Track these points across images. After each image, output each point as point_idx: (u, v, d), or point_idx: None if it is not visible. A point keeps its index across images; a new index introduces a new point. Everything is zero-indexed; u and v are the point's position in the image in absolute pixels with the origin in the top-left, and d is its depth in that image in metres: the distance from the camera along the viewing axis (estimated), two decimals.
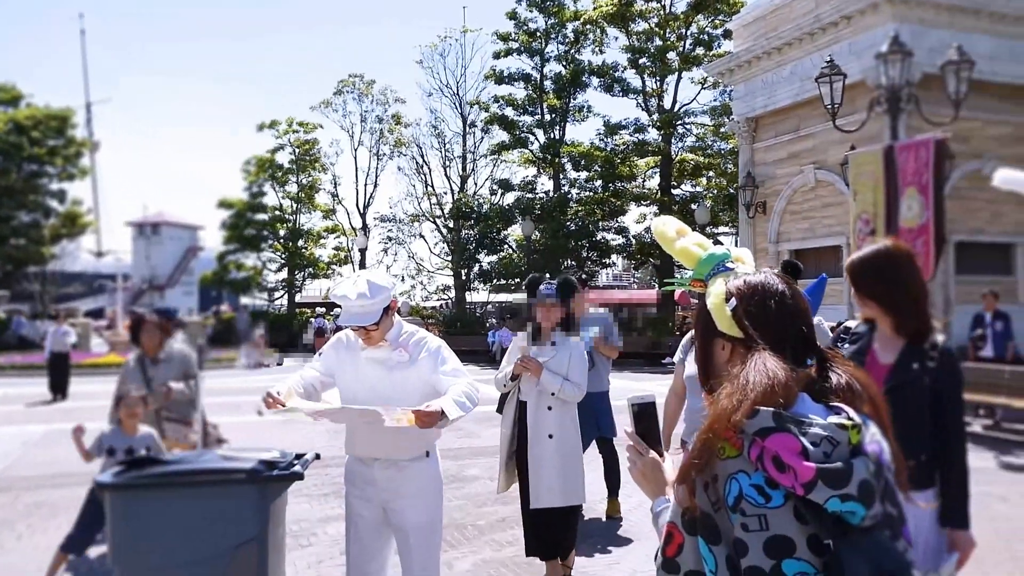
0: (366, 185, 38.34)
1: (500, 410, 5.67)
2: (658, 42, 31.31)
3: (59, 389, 15.81)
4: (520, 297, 28.52)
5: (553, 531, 4.68)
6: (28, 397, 15.63)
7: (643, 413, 1.70)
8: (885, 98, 12.13)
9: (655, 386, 17.75)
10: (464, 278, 34.99)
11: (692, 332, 4.81)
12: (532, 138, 34.13)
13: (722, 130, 30.19)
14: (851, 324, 2.90)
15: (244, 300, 38.57)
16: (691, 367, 3.86)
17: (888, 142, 13.01)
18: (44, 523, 6.40)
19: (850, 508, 1.28)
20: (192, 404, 5.52)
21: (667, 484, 1.64)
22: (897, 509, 1.38)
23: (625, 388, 17.14)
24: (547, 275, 5.05)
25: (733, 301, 1.51)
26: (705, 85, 31.39)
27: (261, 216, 37.67)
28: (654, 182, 33.19)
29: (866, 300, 2.71)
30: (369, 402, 3.06)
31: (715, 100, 31.61)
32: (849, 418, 1.35)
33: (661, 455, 1.68)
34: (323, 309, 33.21)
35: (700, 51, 30.90)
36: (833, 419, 1.34)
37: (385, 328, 3.22)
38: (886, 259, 2.69)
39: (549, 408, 4.62)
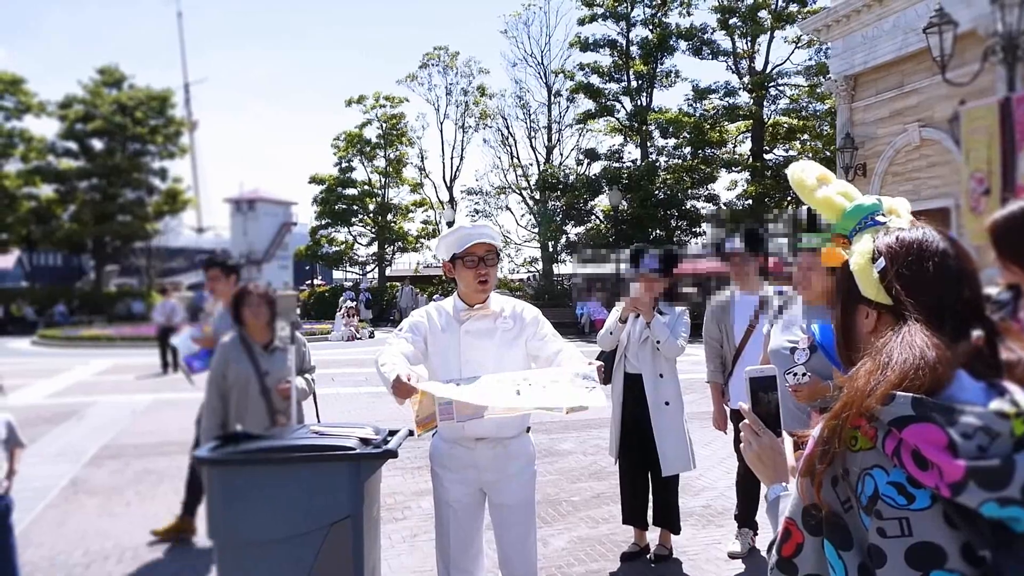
0: (452, 158, 38.52)
1: None
2: (749, 0, 30.14)
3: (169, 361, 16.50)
4: (607, 268, 28.24)
5: (664, 499, 4.76)
6: (139, 368, 16.37)
7: (761, 388, 1.51)
8: (1001, 47, 11.30)
9: None
10: (551, 250, 34.79)
11: (760, 300, 4.56)
12: (618, 106, 33.48)
13: (818, 90, 28.89)
14: (991, 291, 2.61)
15: (354, 275, 39.18)
16: (776, 339, 3.60)
17: (1005, 94, 12.19)
18: (152, 490, 6.64)
19: (1012, 514, 1.06)
20: (301, 406, 4.33)
21: (787, 469, 1.46)
22: None
23: None
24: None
25: (881, 261, 1.29)
26: (799, 44, 30.07)
27: (351, 191, 38.27)
28: (745, 147, 32.13)
29: (1010, 264, 2.42)
30: (481, 383, 2.81)
31: (810, 59, 30.28)
32: (1014, 403, 1.12)
33: (779, 435, 1.49)
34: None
35: (794, 8, 29.60)
36: (994, 404, 1.11)
37: (494, 281, 3.17)
38: None
39: (661, 376, 4.66)
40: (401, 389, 2.68)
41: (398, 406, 2.85)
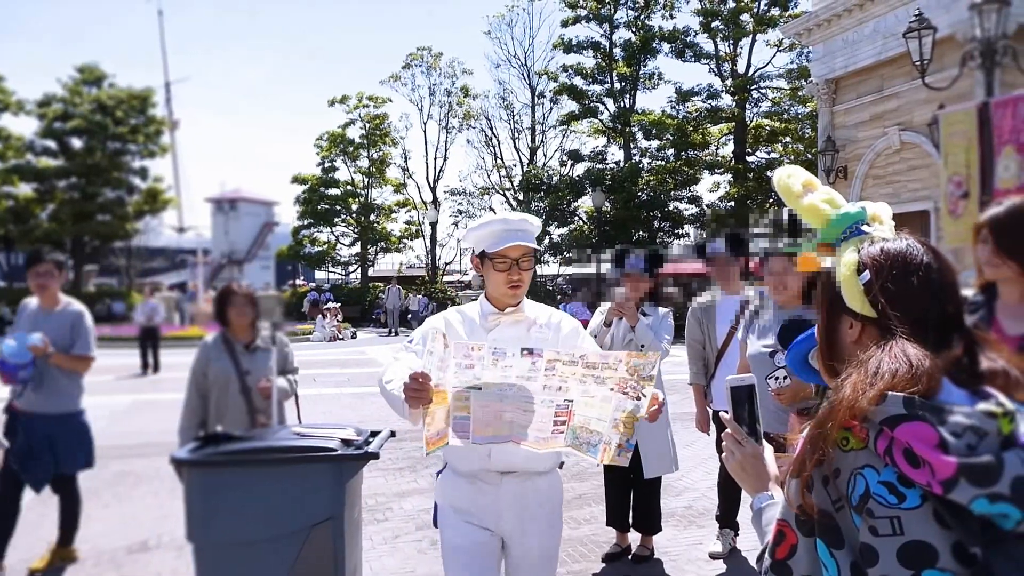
0: (436, 159, 38.48)
1: None
2: (731, 4, 30.33)
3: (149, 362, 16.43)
4: (590, 269, 28.30)
5: (646, 501, 4.76)
6: (118, 369, 16.20)
7: (742, 396, 1.52)
8: (979, 52, 11.42)
9: None
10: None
11: (741, 303, 4.59)
12: (602, 107, 33.59)
13: (799, 93, 29.14)
14: (967, 293, 2.63)
15: (322, 275, 39.23)
16: (753, 345, 3.62)
17: (983, 99, 12.32)
18: (129, 492, 6.58)
19: (1001, 510, 1.08)
20: (283, 407, 4.29)
21: (770, 478, 1.46)
22: None
23: None
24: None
25: (867, 274, 1.29)
26: (781, 47, 30.31)
27: (333, 191, 38.10)
28: (728, 149, 32.36)
29: (1008, 259, 2.44)
30: (507, 399, 2.26)
31: (792, 62, 30.50)
32: (999, 404, 1.15)
33: (761, 444, 1.50)
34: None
35: (776, 11, 29.82)
36: (981, 406, 1.14)
37: (527, 285, 2.66)
38: None
39: None
40: (415, 387, 2.13)
41: (413, 425, 2.32)
